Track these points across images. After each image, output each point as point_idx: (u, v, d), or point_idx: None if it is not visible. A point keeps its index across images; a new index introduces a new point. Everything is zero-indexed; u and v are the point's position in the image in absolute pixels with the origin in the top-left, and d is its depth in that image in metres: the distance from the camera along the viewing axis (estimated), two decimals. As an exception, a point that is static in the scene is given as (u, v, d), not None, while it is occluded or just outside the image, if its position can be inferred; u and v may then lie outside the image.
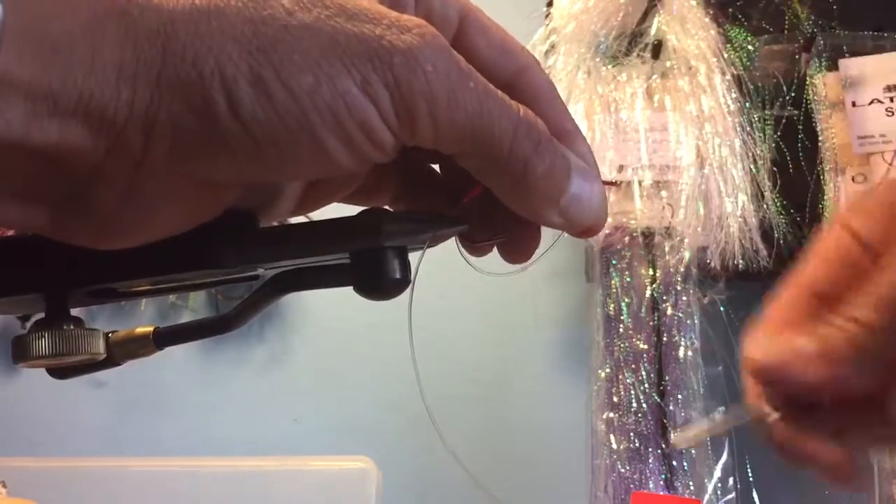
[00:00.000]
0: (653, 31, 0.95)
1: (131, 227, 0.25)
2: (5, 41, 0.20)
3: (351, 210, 0.30)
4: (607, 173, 0.91)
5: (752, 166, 0.92)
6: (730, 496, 0.90)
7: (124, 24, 0.22)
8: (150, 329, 0.33)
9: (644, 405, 0.91)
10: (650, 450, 0.90)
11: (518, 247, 0.32)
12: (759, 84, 0.95)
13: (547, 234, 0.32)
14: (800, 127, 0.94)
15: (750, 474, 0.94)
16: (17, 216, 0.24)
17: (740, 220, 0.90)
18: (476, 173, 0.27)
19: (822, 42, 0.93)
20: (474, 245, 0.32)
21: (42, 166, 0.23)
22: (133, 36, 0.22)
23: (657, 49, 0.95)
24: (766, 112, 0.95)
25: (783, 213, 0.91)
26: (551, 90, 0.30)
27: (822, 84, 0.92)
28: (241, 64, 0.23)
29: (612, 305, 0.95)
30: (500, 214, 0.30)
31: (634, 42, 0.97)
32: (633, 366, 0.92)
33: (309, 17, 0.23)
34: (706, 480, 0.90)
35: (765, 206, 0.90)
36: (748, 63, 0.96)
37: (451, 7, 0.28)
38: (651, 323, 0.94)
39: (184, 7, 0.22)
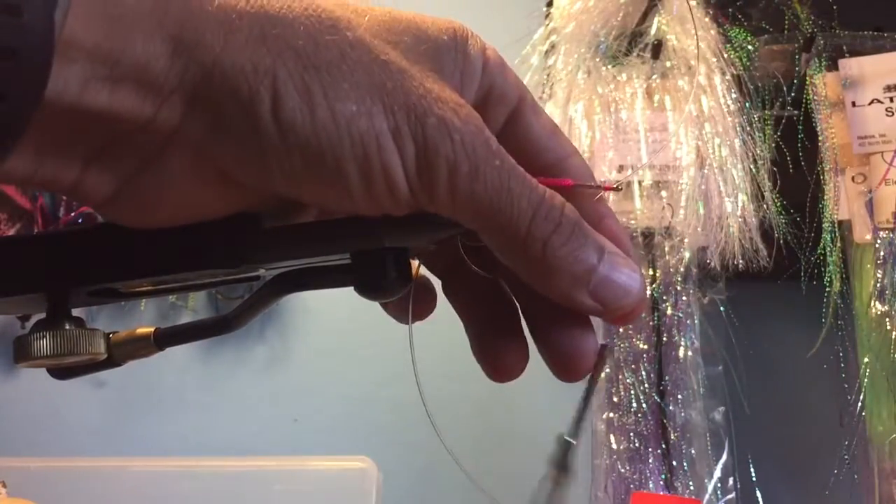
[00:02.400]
0: (653, 31, 0.95)
1: (142, 200, 0.26)
2: (74, 5, 0.21)
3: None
4: (607, 173, 0.91)
5: (752, 166, 0.92)
6: (730, 496, 0.90)
7: (190, 7, 0.23)
8: (151, 330, 0.33)
9: (644, 405, 0.91)
10: (650, 450, 0.90)
11: (568, 355, 0.32)
12: (759, 84, 0.95)
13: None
14: (800, 127, 0.94)
15: (753, 474, 0.94)
16: (46, 172, 0.24)
17: (740, 220, 0.90)
18: (497, 251, 0.28)
19: (822, 42, 0.93)
20: (474, 246, 0.32)
21: (84, 125, 0.23)
22: (197, 19, 0.23)
23: (657, 49, 0.96)
24: (766, 112, 0.95)
25: (783, 213, 0.91)
26: (590, 174, 0.31)
27: (822, 84, 0.92)
28: (294, 73, 0.24)
29: (612, 305, 0.95)
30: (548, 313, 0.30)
31: (634, 42, 0.97)
32: (633, 366, 0.92)
33: (367, 57, 0.25)
34: (706, 480, 0.90)
35: (765, 206, 0.91)
36: (748, 63, 0.96)
37: (511, 87, 0.30)
38: (651, 323, 0.94)
39: (254, 7, 0.24)
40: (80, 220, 1.06)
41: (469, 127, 0.25)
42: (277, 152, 0.24)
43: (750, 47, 0.97)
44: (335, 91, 0.24)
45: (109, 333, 0.32)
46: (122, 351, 0.32)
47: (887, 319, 0.85)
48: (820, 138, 0.92)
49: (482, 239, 0.28)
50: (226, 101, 0.24)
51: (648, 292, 0.94)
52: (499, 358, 0.32)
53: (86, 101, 0.23)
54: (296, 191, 0.25)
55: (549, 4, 1.01)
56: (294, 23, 0.24)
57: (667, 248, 0.94)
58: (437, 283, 0.36)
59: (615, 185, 0.28)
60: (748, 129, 0.93)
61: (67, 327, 0.28)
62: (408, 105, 0.25)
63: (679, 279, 0.94)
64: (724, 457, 0.91)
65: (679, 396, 0.92)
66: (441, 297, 0.35)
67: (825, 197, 0.90)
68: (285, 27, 0.24)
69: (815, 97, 0.92)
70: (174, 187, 0.25)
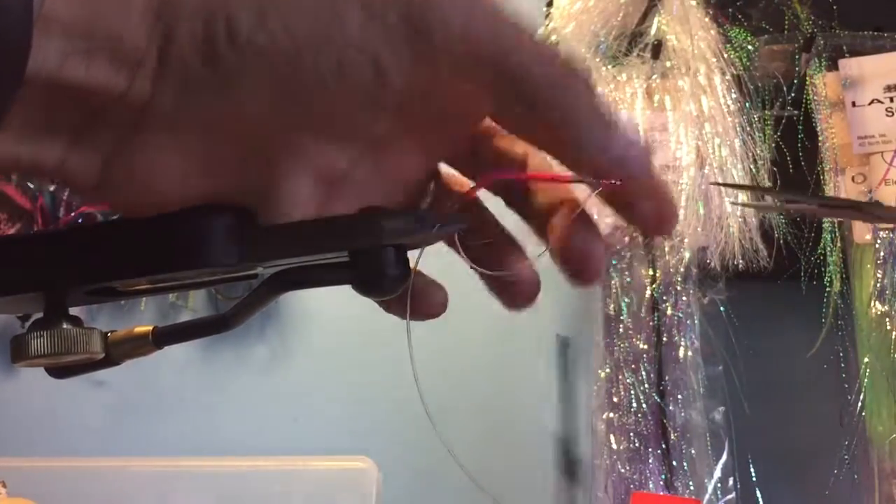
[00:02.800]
0: (653, 31, 0.95)
1: (128, 180, 0.26)
2: None
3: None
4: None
5: (752, 166, 0.92)
6: (730, 496, 0.90)
7: None
8: (149, 328, 0.33)
9: (644, 405, 0.91)
10: (650, 450, 0.90)
11: (516, 288, 0.32)
12: (759, 84, 0.95)
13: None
14: (800, 127, 0.94)
15: (752, 474, 0.94)
16: (30, 153, 0.24)
17: (740, 220, 0.90)
18: (509, 110, 0.27)
19: (822, 42, 0.93)
20: (467, 246, 0.32)
21: (63, 102, 0.24)
22: None
23: (657, 49, 0.95)
24: (766, 112, 0.95)
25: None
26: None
27: (822, 84, 0.92)
28: (247, 3, 0.24)
29: (612, 305, 0.95)
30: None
31: (634, 42, 0.97)
32: (633, 366, 0.92)
33: None
34: (706, 480, 0.90)
35: (765, 205, 0.91)
36: (748, 63, 0.96)
37: None
38: (651, 323, 0.94)
39: None
40: (80, 220, 1.07)
41: None
42: (244, 80, 0.24)
43: (750, 47, 0.97)
44: (292, 9, 0.24)
45: (107, 332, 0.32)
46: (121, 350, 0.32)
47: (887, 319, 0.85)
48: (820, 138, 0.92)
49: (494, 108, 0.27)
50: (189, 53, 0.24)
51: (648, 292, 0.94)
52: (515, 284, 0.32)
53: (65, 76, 0.23)
54: (271, 123, 0.25)
55: (549, 4, 1.01)
56: None
57: (667, 248, 0.94)
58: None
59: (614, 181, 0.27)
60: (748, 129, 0.93)
61: (65, 326, 0.28)
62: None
63: (679, 279, 0.94)
64: (724, 457, 0.91)
65: (679, 396, 0.92)
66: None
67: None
68: None
69: (815, 97, 0.92)
70: (157, 163, 0.25)
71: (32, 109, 0.23)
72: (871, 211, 0.30)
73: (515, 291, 0.33)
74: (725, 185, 0.89)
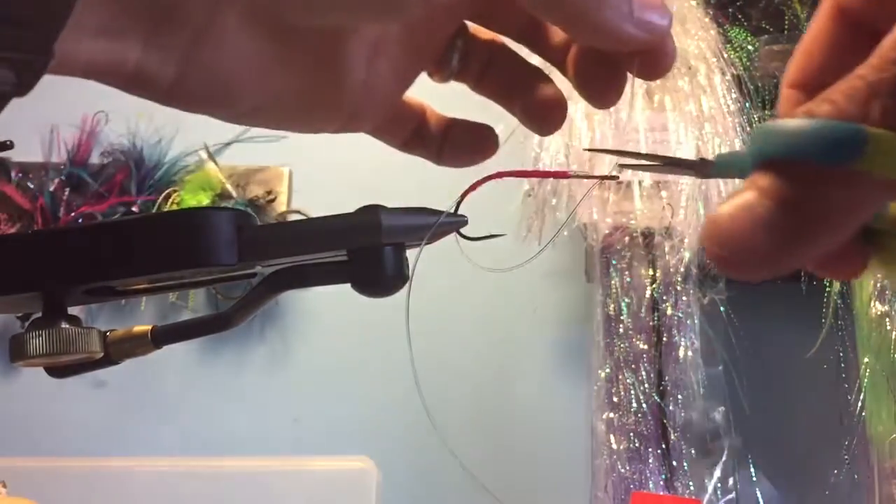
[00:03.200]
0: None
1: (209, 77, 0.26)
2: None
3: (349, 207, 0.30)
4: (606, 172, 0.91)
5: (752, 166, 0.91)
6: (730, 496, 0.90)
7: None
8: (148, 328, 0.33)
9: (644, 405, 0.91)
10: (650, 450, 0.90)
11: (545, 111, 0.33)
12: (759, 84, 0.95)
13: (548, 232, 0.32)
14: (800, 127, 0.93)
15: (752, 474, 0.94)
16: (106, 53, 0.24)
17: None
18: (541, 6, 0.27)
19: (822, 42, 0.93)
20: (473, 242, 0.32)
21: (130, 3, 0.24)
22: None
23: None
24: (766, 112, 0.95)
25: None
26: None
27: (822, 84, 0.92)
28: None
29: (612, 305, 0.95)
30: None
31: (634, 42, 0.97)
32: (633, 366, 0.92)
33: None
34: (706, 480, 0.90)
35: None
36: (748, 63, 0.96)
37: None
38: (651, 323, 0.94)
39: None
40: (80, 220, 1.07)
41: None
42: None
43: (750, 47, 0.97)
44: None
45: (106, 332, 0.32)
46: (120, 349, 0.32)
47: (887, 319, 0.85)
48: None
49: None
50: None
51: (648, 292, 0.94)
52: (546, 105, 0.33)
53: None
54: (345, 7, 0.26)
55: (549, 4, 1.01)
56: None
57: (667, 248, 0.94)
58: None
59: (612, 175, 0.28)
60: (748, 129, 0.93)
61: (63, 326, 0.28)
62: None
63: (679, 279, 0.94)
64: (724, 457, 0.91)
65: (679, 396, 0.92)
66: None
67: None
68: None
69: (815, 97, 0.92)
70: (235, 54, 0.26)
71: (104, 6, 0.23)
72: (701, 169, 0.29)
73: (544, 114, 0.33)
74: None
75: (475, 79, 0.34)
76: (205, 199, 1.10)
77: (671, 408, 0.91)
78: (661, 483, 0.89)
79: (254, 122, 0.29)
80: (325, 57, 0.28)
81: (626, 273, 0.95)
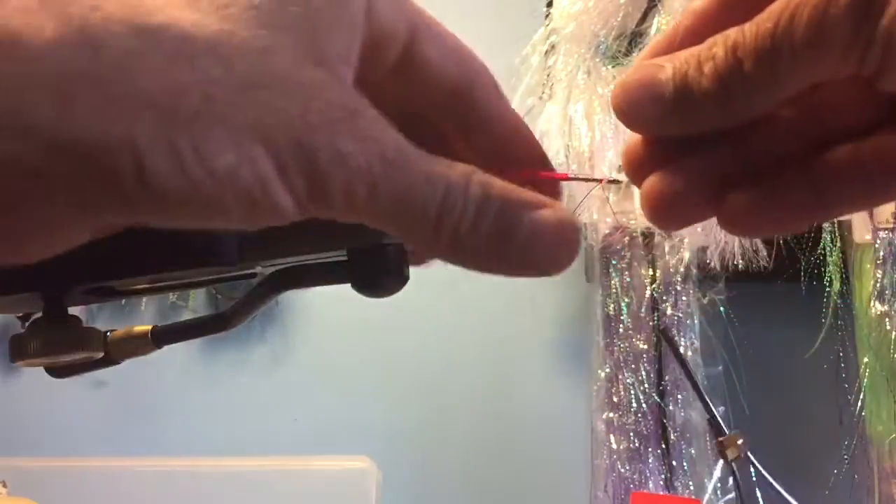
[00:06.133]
0: (653, 31, 0.95)
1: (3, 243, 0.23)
2: None
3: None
4: (607, 173, 0.91)
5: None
6: (730, 496, 0.90)
7: (17, 68, 0.20)
8: (149, 328, 0.32)
9: (644, 405, 0.91)
10: (650, 450, 0.90)
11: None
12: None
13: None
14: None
15: (752, 474, 0.94)
16: None
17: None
18: (416, 249, 0.27)
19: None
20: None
21: None
22: (27, 83, 0.20)
23: (657, 49, 0.95)
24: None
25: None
26: (500, 92, 0.29)
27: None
28: (157, 136, 0.21)
29: (612, 305, 0.95)
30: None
31: (634, 42, 0.97)
32: (633, 366, 0.92)
33: (235, 84, 0.22)
34: (706, 480, 0.90)
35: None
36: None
37: (401, 21, 0.27)
38: (651, 323, 0.94)
39: (90, 62, 0.20)
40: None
41: (365, 145, 0.23)
42: (151, 212, 0.22)
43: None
44: (207, 144, 0.21)
45: (107, 332, 0.32)
46: (120, 349, 0.32)
47: (887, 319, 0.85)
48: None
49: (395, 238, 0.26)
50: (81, 179, 0.21)
51: (648, 292, 0.94)
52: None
53: None
54: (186, 225, 0.23)
55: (549, 4, 1.01)
56: (143, 70, 0.21)
57: (667, 248, 0.94)
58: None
59: (612, 178, 0.27)
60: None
61: (64, 326, 0.28)
62: (294, 141, 0.22)
63: (679, 279, 0.94)
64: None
65: (679, 396, 0.92)
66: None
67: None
68: (137, 78, 0.21)
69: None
70: (41, 230, 0.23)
71: None
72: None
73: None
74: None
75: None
76: (205, 199, 1.10)
77: (671, 408, 0.91)
78: (661, 483, 0.89)
79: None
80: None
81: (626, 273, 0.95)
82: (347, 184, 0.23)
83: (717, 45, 0.26)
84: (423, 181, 0.24)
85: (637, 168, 0.29)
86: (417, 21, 0.28)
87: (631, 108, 0.27)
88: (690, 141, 0.28)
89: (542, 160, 0.29)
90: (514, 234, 0.25)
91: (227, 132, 0.21)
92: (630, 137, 0.29)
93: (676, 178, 0.28)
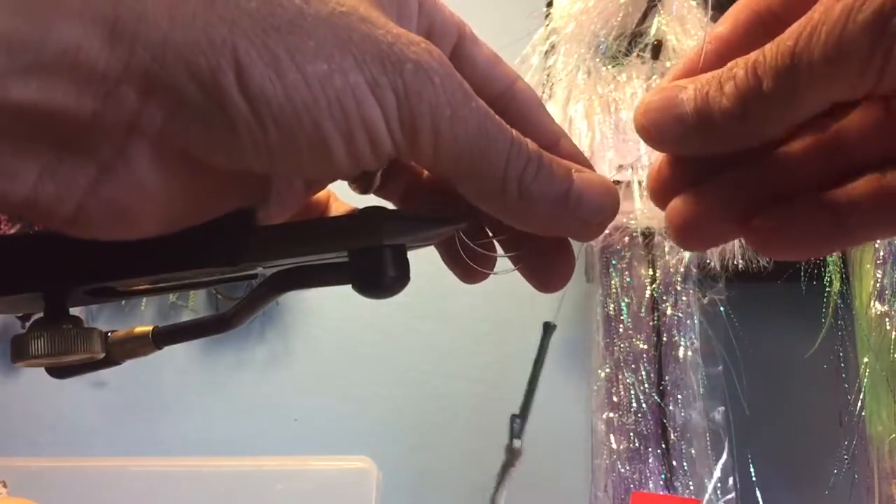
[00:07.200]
0: (653, 31, 0.95)
1: (112, 211, 0.23)
2: None
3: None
4: (607, 173, 0.91)
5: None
6: (730, 496, 0.90)
7: None
8: (149, 328, 0.33)
9: (644, 405, 0.91)
10: (650, 450, 0.90)
11: (549, 270, 0.32)
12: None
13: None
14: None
15: (752, 474, 0.94)
16: None
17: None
18: (475, 197, 0.27)
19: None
20: (473, 243, 0.32)
21: (16, 126, 0.21)
22: None
23: (657, 49, 0.95)
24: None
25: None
26: (537, 99, 0.31)
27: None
28: (254, 39, 0.22)
29: (612, 305, 0.95)
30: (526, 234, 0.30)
31: (634, 42, 0.97)
32: (633, 366, 0.92)
33: (325, 10, 0.23)
34: (706, 480, 0.90)
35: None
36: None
37: (451, 23, 0.29)
38: (651, 323, 0.94)
39: None
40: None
41: (445, 68, 0.24)
42: (249, 127, 0.22)
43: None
44: (302, 52, 0.22)
45: (107, 332, 0.32)
46: (121, 350, 0.32)
47: (887, 319, 0.85)
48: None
49: (459, 188, 0.27)
50: (184, 83, 0.21)
51: (648, 292, 0.94)
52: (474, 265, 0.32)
53: (12, 96, 0.20)
54: (271, 164, 0.24)
55: (549, 4, 1.01)
56: None
57: (667, 248, 0.94)
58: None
59: (612, 179, 0.28)
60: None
61: (64, 326, 0.28)
62: (380, 54, 0.23)
63: (679, 279, 0.94)
64: (724, 457, 0.91)
65: (679, 396, 0.92)
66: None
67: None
68: None
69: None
70: (143, 189, 0.23)
71: None
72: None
73: (470, 253, 0.32)
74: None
75: (400, 198, 0.33)
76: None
77: (671, 408, 0.91)
78: (661, 483, 0.89)
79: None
80: (236, 185, 0.26)
81: (626, 273, 0.95)
82: (434, 104, 0.24)
83: (738, 66, 0.26)
84: (496, 120, 0.26)
85: (662, 191, 0.30)
86: (464, 27, 0.30)
87: (654, 127, 0.29)
88: (714, 165, 0.29)
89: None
90: (570, 188, 0.27)
91: (319, 45, 0.23)
92: (655, 161, 0.31)
93: (701, 200, 0.29)
